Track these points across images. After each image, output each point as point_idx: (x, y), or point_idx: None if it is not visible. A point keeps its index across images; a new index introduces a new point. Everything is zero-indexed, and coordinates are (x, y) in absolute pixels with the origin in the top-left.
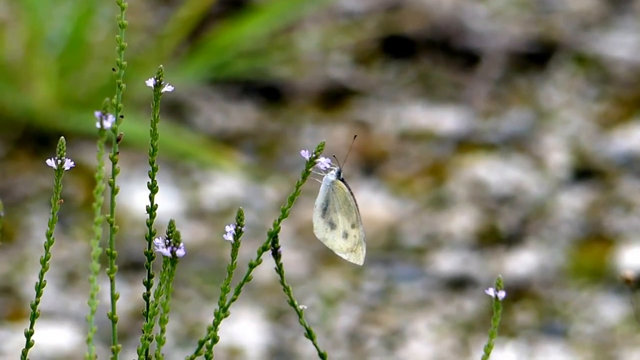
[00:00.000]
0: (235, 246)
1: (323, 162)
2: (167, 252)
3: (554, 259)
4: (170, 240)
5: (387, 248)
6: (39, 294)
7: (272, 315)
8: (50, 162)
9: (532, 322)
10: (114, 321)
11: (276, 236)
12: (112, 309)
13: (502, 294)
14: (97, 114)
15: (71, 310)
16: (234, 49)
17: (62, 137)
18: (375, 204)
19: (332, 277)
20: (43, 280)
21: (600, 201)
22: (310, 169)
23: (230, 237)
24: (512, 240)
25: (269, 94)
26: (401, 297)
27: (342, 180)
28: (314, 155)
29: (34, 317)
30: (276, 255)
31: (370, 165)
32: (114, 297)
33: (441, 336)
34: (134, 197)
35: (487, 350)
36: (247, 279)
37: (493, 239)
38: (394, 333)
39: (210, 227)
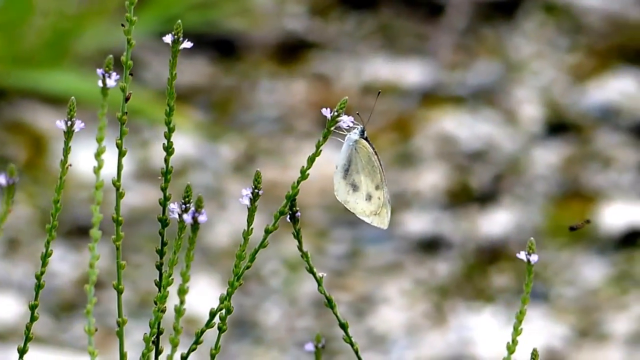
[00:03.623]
0: (251, 211)
1: (345, 120)
2: (188, 218)
3: (531, 218)
4: (187, 205)
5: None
6: None
7: (231, 282)
8: (60, 124)
9: (511, 285)
10: (119, 292)
11: (294, 199)
12: (117, 279)
13: (534, 258)
14: (100, 71)
15: (14, 280)
16: (184, 1)
17: (73, 97)
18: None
19: (293, 240)
20: None
21: (577, 156)
22: (332, 128)
23: (247, 201)
24: (485, 198)
25: (222, 48)
26: (369, 260)
27: (366, 139)
28: (335, 113)
29: None
30: (294, 219)
31: None
32: (120, 267)
33: (413, 301)
34: (80, 158)
35: (520, 318)
36: (262, 245)
37: (465, 197)
38: (363, 299)
39: (159, 188)
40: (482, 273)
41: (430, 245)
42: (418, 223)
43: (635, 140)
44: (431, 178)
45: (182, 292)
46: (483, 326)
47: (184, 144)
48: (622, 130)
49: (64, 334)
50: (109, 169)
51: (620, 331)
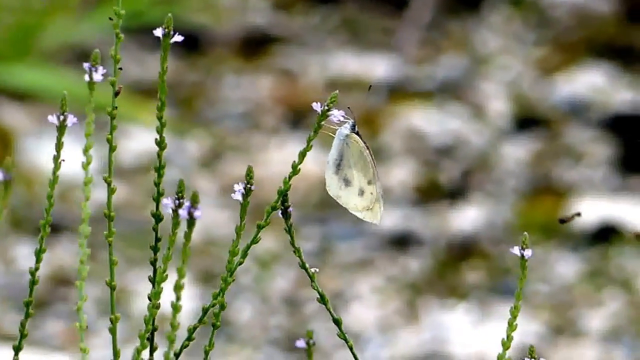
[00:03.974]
0: (244, 206)
1: (336, 114)
2: (184, 213)
3: (502, 214)
4: (180, 200)
5: (322, 205)
6: None
7: (201, 279)
8: (52, 119)
9: (483, 282)
10: (112, 288)
11: (286, 194)
12: (110, 276)
13: (528, 253)
14: (87, 65)
15: None
16: None
17: (65, 92)
18: (306, 158)
19: (264, 237)
20: None
21: (547, 151)
22: (322, 122)
23: (239, 197)
24: (455, 194)
25: (187, 43)
26: (340, 257)
27: (357, 133)
28: (326, 107)
29: None
30: (286, 215)
31: (297, 116)
32: (112, 263)
33: (386, 299)
34: (46, 154)
35: (514, 313)
36: (254, 241)
37: (435, 193)
38: (335, 296)
39: (129, 185)
40: (454, 270)
41: (401, 242)
42: (388, 219)
43: (606, 134)
44: (400, 174)
45: (178, 288)
46: (456, 323)
47: (150, 140)
48: (592, 125)
49: (35, 332)
50: (75, 166)
51: (595, 328)
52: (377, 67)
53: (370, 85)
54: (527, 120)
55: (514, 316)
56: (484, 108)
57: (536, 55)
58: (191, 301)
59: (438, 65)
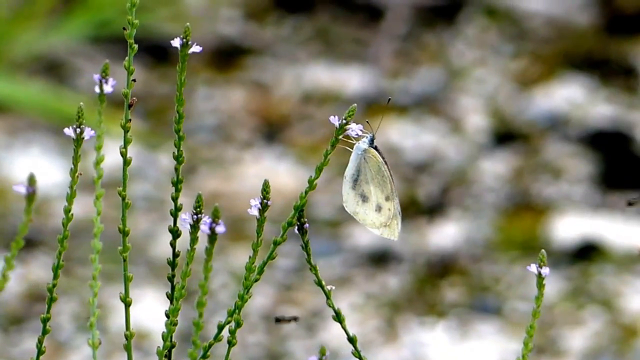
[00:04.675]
0: (260, 222)
1: (354, 128)
2: (205, 229)
3: (481, 230)
4: (199, 215)
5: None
6: None
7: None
8: (69, 132)
9: (463, 299)
10: (127, 305)
11: (302, 210)
12: (125, 292)
13: (546, 271)
14: (96, 77)
15: None
16: (116, 5)
17: (81, 103)
18: (280, 172)
19: (242, 252)
20: None
21: (526, 167)
22: (340, 137)
23: (255, 212)
24: (433, 210)
25: (156, 53)
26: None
27: (375, 148)
28: (344, 121)
29: None
30: (302, 230)
31: (272, 130)
32: (127, 279)
33: (365, 317)
34: (16, 167)
35: (530, 333)
36: (270, 256)
37: (413, 209)
38: (314, 314)
39: (106, 198)
40: (433, 287)
41: (380, 259)
42: (366, 236)
43: (585, 150)
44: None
45: (200, 304)
46: (436, 341)
47: None
48: (571, 140)
49: (13, 349)
50: (49, 179)
51: (577, 347)
52: (352, 79)
53: (390, 98)
54: (505, 135)
55: (529, 335)
56: (461, 122)
57: (513, 68)
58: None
59: (414, 78)
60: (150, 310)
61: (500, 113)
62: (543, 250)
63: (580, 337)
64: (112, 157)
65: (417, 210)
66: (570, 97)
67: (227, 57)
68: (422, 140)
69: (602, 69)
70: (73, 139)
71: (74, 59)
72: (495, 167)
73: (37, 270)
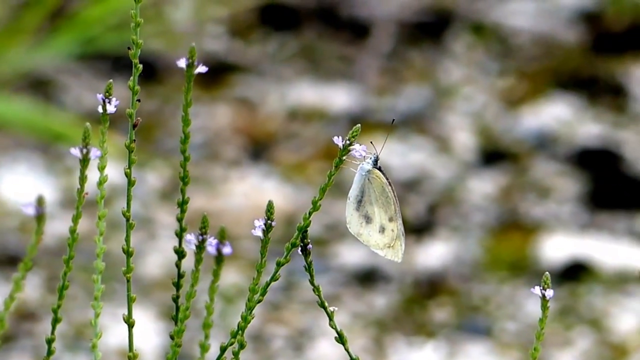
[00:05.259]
0: (264, 242)
1: (358, 149)
2: (212, 250)
3: (469, 250)
4: (204, 236)
5: (285, 240)
6: None
7: (165, 314)
8: (75, 152)
9: (451, 320)
10: (130, 325)
11: (306, 231)
12: (128, 312)
13: (550, 293)
14: (100, 97)
15: None
16: (102, 22)
17: (88, 124)
18: (266, 190)
19: (228, 271)
20: None
21: (514, 186)
22: (344, 157)
23: (259, 233)
24: (421, 230)
25: (143, 70)
26: (305, 293)
27: (379, 168)
28: (347, 142)
29: None
30: (305, 252)
31: (258, 148)
32: (130, 300)
33: (352, 336)
34: (4, 184)
35: (534, 355)
36: (274, 278)
37: None
38: (301, 333)
39: (89, 217)
40: (422, 307)
41: (367, 278)
42: (353, 255)
43: (573, 169)
44: None
45: (206, 326)
46: None
47: (108, 170)
48: (559, 159)
49: None
50: (29, 197)
51: None
52: (337, 96)
53: (394, 120)
54: (493, 154)
55: (533, 358)
56: (449, 141)
57: (500, 86)
58: (156, 336)
59: (400, 95)
60: (137, 328)
61: (487, 131)
62: (547, 272)
63: (569, 357)
64: (97, 175)
65: (405, 229)
66: (558, 115)
67: (212, 74)
68: (410, 159)
69: (590, 87)
70: (79, 159)
71: (60, 76)
72: (483, 186)
73: (25, 287)
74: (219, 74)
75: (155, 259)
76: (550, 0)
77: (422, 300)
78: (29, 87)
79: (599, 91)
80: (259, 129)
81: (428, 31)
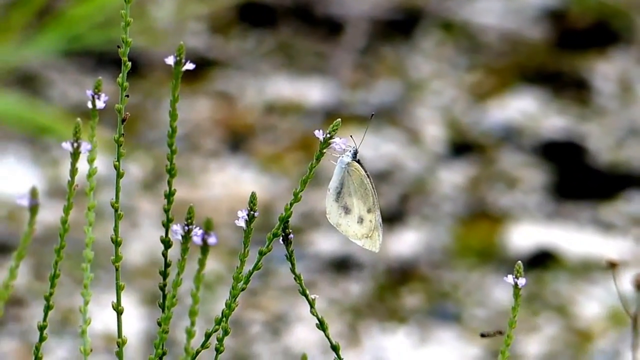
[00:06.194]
0: (247, 233)
1: (338, 142)
2: (198, 240)
3: (439, 238)
4: (190, 227)
5: (262, 228)
6: None
7: (147, 300)
8: (66, 145)
9: (422, 306)
10: (118, 313)
11: (287, 221)
12: (117, 300)
13: (522, 281)
14: (89, 93)
15: None
16: (88, 20)
17: (79, 119)
18: (244, 181)
19: (208, 259)
20: None
21: (482, 176)
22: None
23: (242, 223)
24: (393, 219)
25: None
26: (282, 280)
27: (358, 161)
28: (328, 135)
29: None
30: (287, 241)
31: (236, 139)
32: (118, 288)
33: (328, 321)
34: None
35: (507, 342)
36: (257, 267)
37: None
38: (278, 318)
39: (74, 206)
40: (394, 293)
41: (342, 265)
42: (328, 243)
43: (539, 160)
44: None
45: (192, 313)
46: (397, 346)
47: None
48: (525, 151)
49: None
50: (25, 187)
51: (533, 352)
52: (313, 91)
53: (372, 114)
54: (461, 145)
55: (506, 344)
56: (420, 133)
57: (469, 81)
58: (138, 322)
59: (373, 90)
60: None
61: (456, 124)
62: (519, 261)
63: (535, 342)
64: (82, 166)
65: None
66: (524, 109)
67: (193, 69)
68: (382, 151)
69: (555, 81)
70: (70, 152)
71: (46, 72)
72: (453, 177)
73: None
74: (200, 69)
75: (137, 247)
76: None
77: (394, 287)
78: (17, 82)
79: (564, 86)
80: (237, 122)
81: (399, 28)
